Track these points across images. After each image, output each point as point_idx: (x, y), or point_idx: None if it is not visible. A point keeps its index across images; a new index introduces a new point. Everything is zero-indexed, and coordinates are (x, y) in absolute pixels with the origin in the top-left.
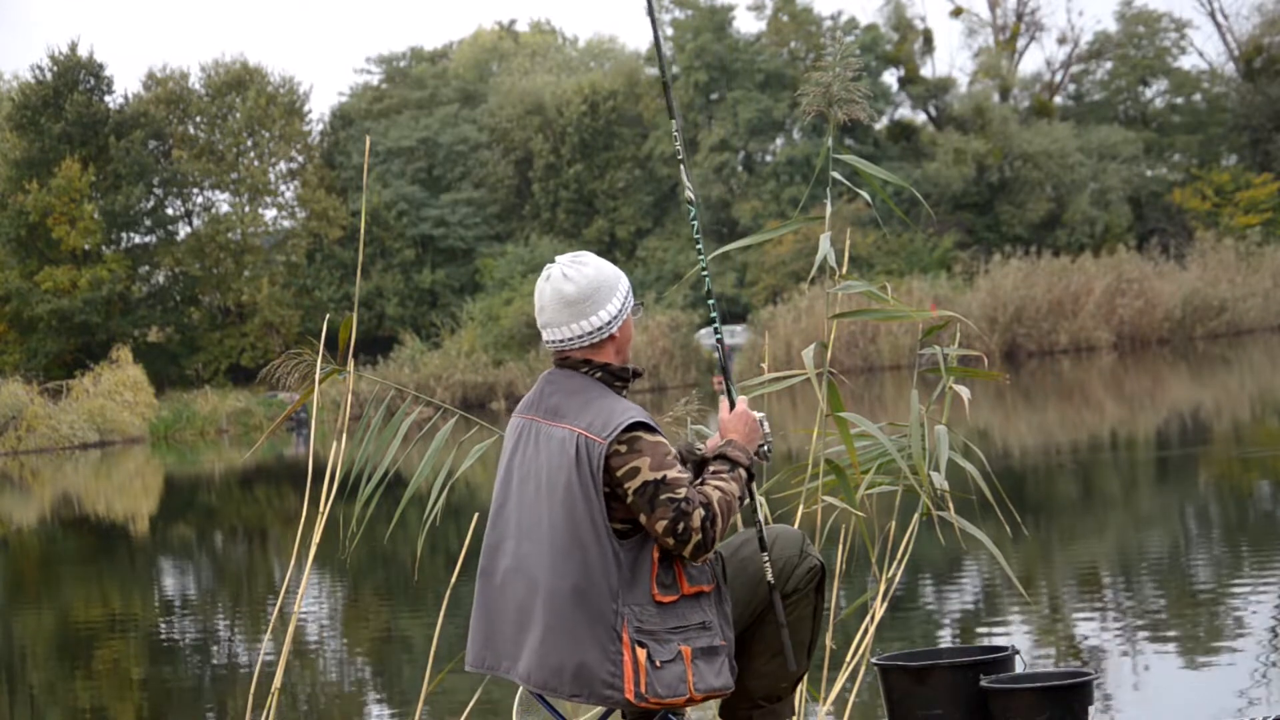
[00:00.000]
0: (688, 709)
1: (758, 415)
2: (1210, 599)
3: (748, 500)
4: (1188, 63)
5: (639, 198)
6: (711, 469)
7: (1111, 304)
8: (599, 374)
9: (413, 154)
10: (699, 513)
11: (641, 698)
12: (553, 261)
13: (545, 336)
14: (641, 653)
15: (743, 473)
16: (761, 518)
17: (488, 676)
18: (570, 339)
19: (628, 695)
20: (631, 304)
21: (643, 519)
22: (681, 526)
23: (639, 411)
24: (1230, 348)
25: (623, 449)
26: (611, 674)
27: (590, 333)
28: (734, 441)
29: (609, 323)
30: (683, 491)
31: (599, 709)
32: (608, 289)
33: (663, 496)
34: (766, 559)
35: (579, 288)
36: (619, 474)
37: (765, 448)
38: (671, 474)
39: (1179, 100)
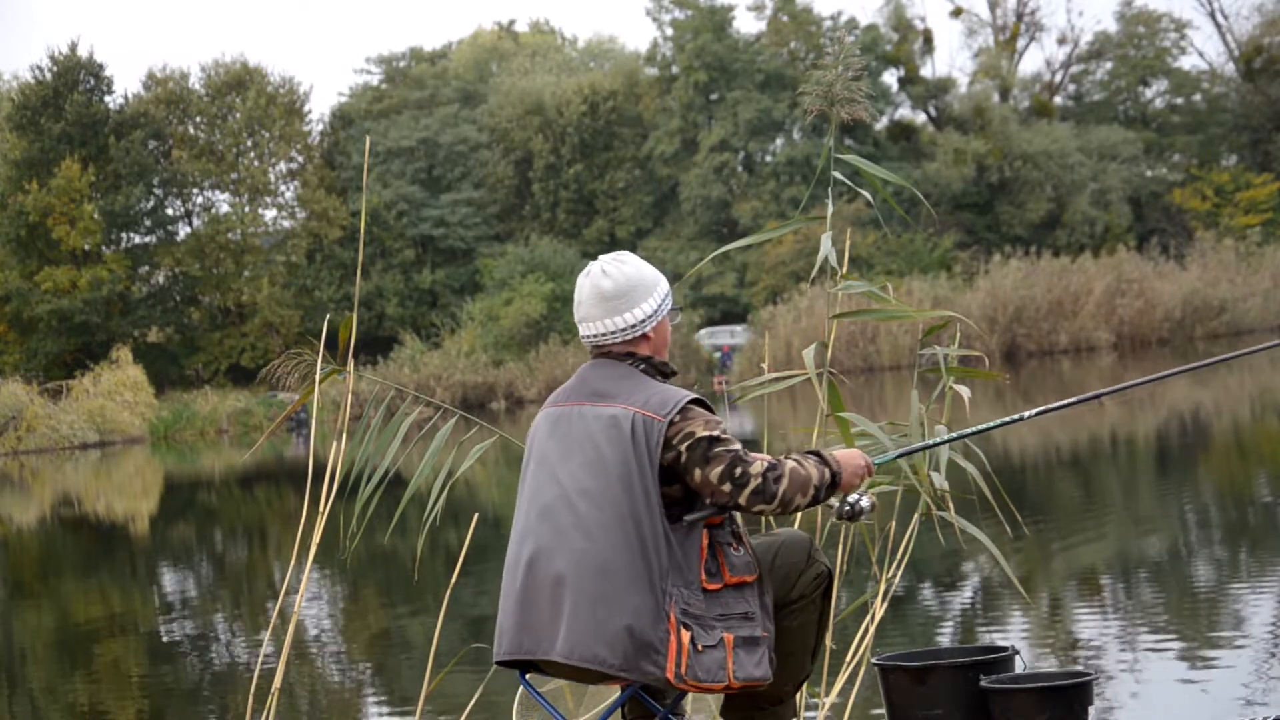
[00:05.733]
0: (688, 709)
1: (866, 501)
2: (1210, 599)
3: (821, 501)
4: (1188, 63)
5: (639, 198)
6: (798, 454)
7: (1111, 304)
8: (643, 366)
9: (413, 154)
10: (761, 464)
11: (681, 679)
12: (594, 260)
13: (582, 331)
14: (686, 635)
15: (827, 473)
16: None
17: (488, 677)
18: (604, 334)
19: (668, 674)
20: (669, 307)
21: (695, 475)
22: (739, 471)
23: (695, 395)
24: (1230, 348)
25: (678, 418)
26: (656, 651)
27: (624, 329)
28: (836, 456)
29: (643, 321)
30: (737, 446)
31: (600, 709)
32: (645, 288)
33: (717, 449)
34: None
35: (616, 284)
36: (674, 440)
37: (854, 507)
38: (725, 435)
39: (1179, 100)
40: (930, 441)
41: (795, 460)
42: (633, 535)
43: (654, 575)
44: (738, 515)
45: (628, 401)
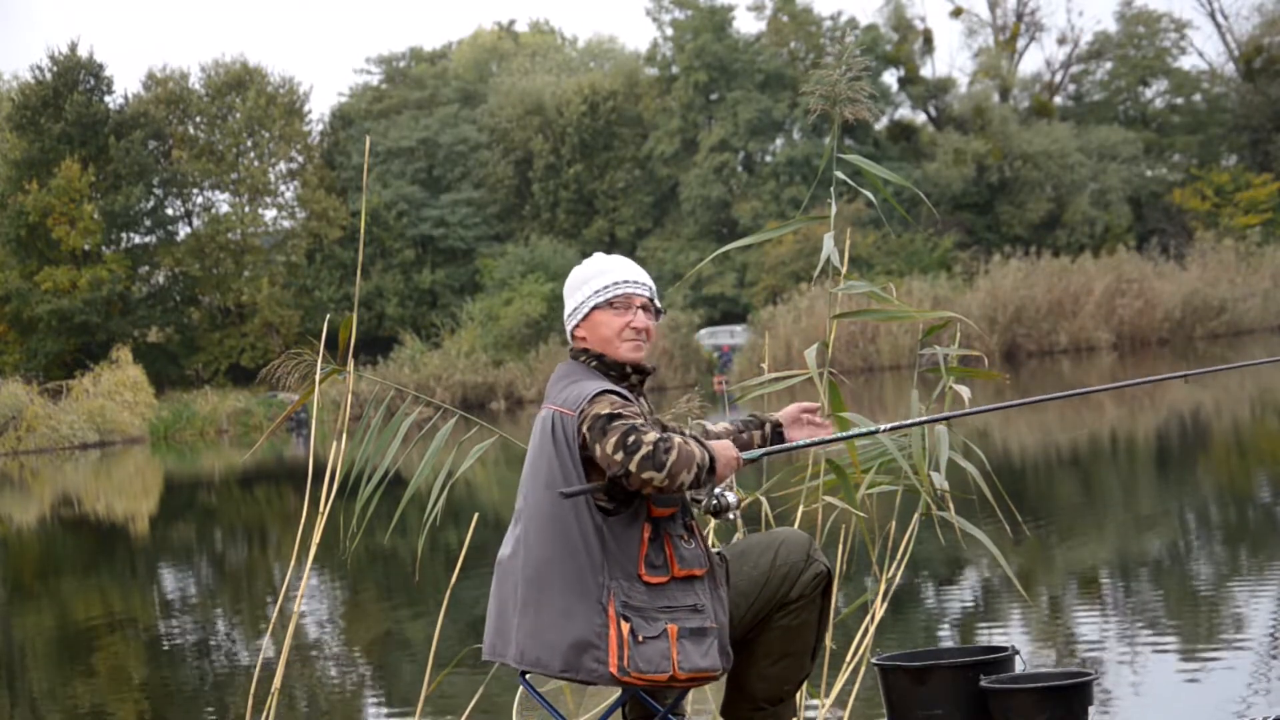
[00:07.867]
0: (688, 709)
1: (731, 498)
2: (1210, 599)
3: (703, 484)
4: (1188, 63)
5: (639, 198)
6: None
7: (1111, 304)
8: (594, 363)
9: (413, 154)
10: (653, 434)
11: (624, 672)
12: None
13: None
14: (625, 627)
15: (708, 456)
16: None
17: (488, 677)
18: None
19: (611, 669)
20: (592, 305)
21: (596, 451)
22: (632, 439)
23: (614, 386)
24: (1230, 348)
25: (587, 407)
26: (597, 648)
27: (568, 328)
28: (711, 445)
29: (568, 318)
30: (636, 420)
31: (600, 709)
32: (571, 288)
33: (614, 423)
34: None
35: (567, 285)
36: (582, 427)
37: (720, 500)
38: (628, 414)
39: (1179, 100)
40: (796, 444)
41: (682, 437)
42: (560, 535)
43: (586, 572)
44: (691, 507)
45: (554, 401)
